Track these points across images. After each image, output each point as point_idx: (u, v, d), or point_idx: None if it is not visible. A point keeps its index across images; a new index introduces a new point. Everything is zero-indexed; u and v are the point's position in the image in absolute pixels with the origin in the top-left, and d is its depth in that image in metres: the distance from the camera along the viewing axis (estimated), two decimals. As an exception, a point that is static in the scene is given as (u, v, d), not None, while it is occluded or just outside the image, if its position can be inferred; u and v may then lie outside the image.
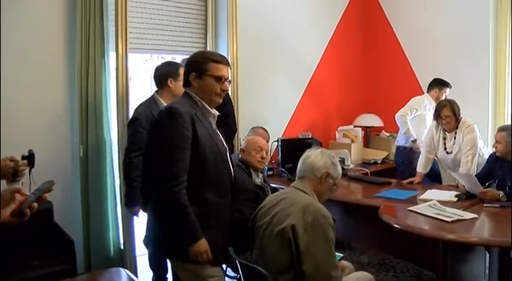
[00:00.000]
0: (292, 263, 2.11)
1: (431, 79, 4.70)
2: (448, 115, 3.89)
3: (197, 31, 4.47)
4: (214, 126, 2.24)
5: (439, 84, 4.58)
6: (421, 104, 4.59)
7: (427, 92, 4.66)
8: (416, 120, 4.63)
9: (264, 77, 4.77)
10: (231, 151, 2.97)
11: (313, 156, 2.38)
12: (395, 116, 4.61)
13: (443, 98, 4.46)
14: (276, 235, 2.15)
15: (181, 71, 2.78)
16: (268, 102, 4.80)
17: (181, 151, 2.02)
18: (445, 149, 4.01)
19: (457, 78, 4.66)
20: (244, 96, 4.52)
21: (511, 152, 3.44)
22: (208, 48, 4.49)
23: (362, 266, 3.84)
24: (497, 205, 3.06)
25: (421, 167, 4.13)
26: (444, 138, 4.03)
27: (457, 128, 3.93)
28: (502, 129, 3.56)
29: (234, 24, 4.40)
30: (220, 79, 2.17)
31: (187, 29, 4.38)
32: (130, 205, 3.18)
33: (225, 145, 2.26)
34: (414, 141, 4.58)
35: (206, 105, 2.19)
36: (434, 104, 4.35)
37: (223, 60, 2.21)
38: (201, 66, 2.17)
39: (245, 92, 4.52)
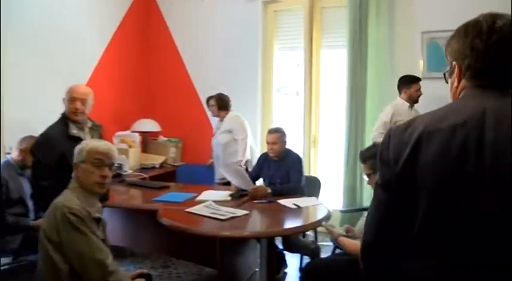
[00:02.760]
0: None
1: (206, 87, 4.99)
2: (212, 104, 4.63)
3: None
4: None
5: (405, 83, 4.09)
6: (388, 116, 3.99)
7: (399, 95, 4.12)
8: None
9: (32, 79, 4.27)
10: None
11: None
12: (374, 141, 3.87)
13: (418, 94, 4.03)
14: None
15: None
16: (40, 107, 4.27)
17: None
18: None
19: (228, 87, 4.93)
20: (13, 101, 3.98)
21: (283, 151, 3.73)
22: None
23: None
24: (265, 201, 3.38)
25: None
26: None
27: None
28: (275, 131, 3.77)
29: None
30: None
31: None
32: None
33: None
34: None
35: None
36: (410, 106, 4.04)
37: None
38: None
39: (12, 96, 3.97)
